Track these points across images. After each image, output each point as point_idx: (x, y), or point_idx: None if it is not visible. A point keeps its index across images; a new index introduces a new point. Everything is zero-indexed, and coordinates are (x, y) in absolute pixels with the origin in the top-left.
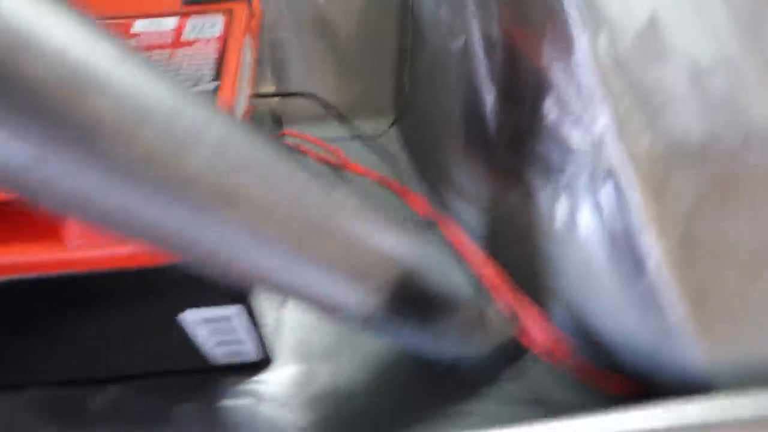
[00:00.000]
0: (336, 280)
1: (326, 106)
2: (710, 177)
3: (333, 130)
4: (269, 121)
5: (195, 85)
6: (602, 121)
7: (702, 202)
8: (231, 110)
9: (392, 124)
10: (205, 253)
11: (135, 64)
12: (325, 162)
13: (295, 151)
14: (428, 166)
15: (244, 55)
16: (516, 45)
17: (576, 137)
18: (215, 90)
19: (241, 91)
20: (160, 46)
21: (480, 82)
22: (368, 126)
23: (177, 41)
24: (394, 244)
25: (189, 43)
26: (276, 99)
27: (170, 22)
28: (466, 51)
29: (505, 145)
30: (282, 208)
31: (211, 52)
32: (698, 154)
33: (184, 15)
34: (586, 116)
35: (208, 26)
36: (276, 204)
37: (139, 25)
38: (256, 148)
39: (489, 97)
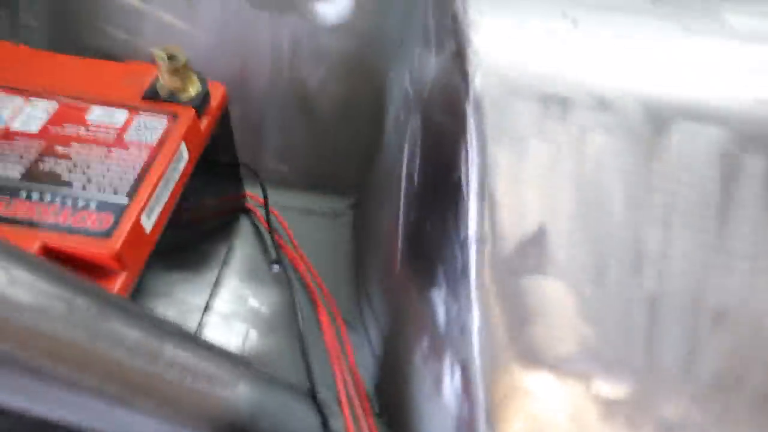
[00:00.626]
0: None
1: (254, 175)
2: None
3: (299, 200)
4: (232, 176)
5: (114, 193)
6: (473, 315)
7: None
8: (135, 232)
9: (349, 207)
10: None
11: None
12: (269, 232)
13: (248, 211)
14: (360, 261)
15: (172, 168)
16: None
17: (449, 310)
18: (123, 208)
19: (153, 207)
20: (102, 143)
21: (403, 203)
22: (331, 204)
23: (118, 140)
24: (230, 393)
25: (126, 145)
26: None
27: (121, 117)
28: (398, 170)
29: (408, 265)
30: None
31: (140, 160)
32: (553, 369)
33: (135, 110)
34: (458, 303)
35: (150, 129)
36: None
37: (95, 113)
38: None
39: (404, 221)
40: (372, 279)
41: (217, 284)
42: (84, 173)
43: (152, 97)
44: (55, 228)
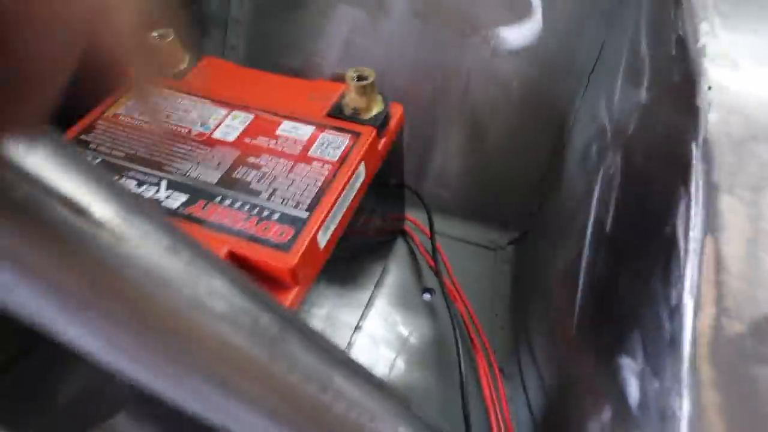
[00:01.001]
0: None
1: (418, 198)
2: None
3: (457, 228)
4: (396, 197)
5: (296, 206)
6: (683, 402)
7: None
8: (311, 247)
9: (511, 242)
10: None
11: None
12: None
13: (405, 234)
14: (521, 304)
15: (350, 186)
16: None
17: (645, 386)
18: (304, 222)
19: (329, 224)
20: (288, 156)
21: (587, 251)
22: (491, 236)
23: (303, 154)
24: None
25: (310, 160)
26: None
27: (308, 131)
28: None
29: (588, 322)
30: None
31: (322, 177)
32: None
33: (321, 127)
34: (661, 381)
35: (333, 147)
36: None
37: (285, 126)
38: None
39: (591, 256)
40: (535, 327)
41: (369, 305)
42: (270, 184)
43: (336, 115)
44: (242, 235)
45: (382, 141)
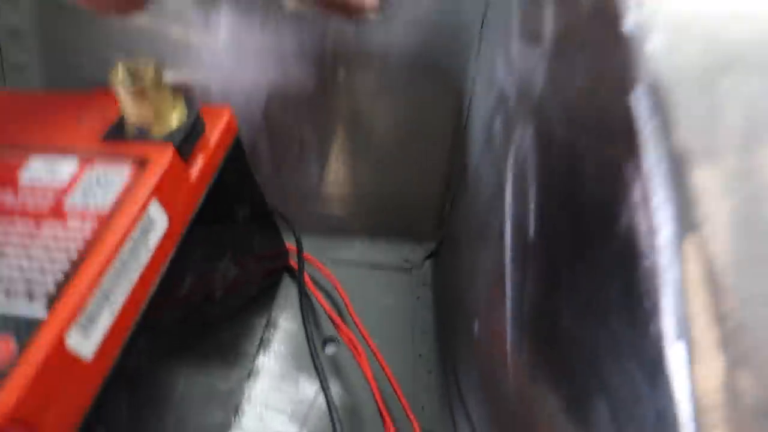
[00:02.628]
0: None
1: (289, 225)
2: None
3: (359, 251)
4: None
5: (28, 299)
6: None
7: None
8: (54, 366)
9: (429, 255)
10: None
11: None
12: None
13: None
14: (445, 340)
15: (132, 246)
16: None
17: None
18: (34, 324)
19: (93, 317)
20: (31, 215)
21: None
22: (402, 254)
23: (55, 208)
24: None
25: (64, 215)
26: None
27: (68, 169)
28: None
29: (529, 364)
30: None
31: (78, 240)
32: None
33: (88, 159)
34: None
35: (103, 186)
36: None
37: (33, 167)
38: None
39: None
40: (464, 372)
41: (253, 375)
42: None
43: (114, 137)
44: None
45: (197, 163)
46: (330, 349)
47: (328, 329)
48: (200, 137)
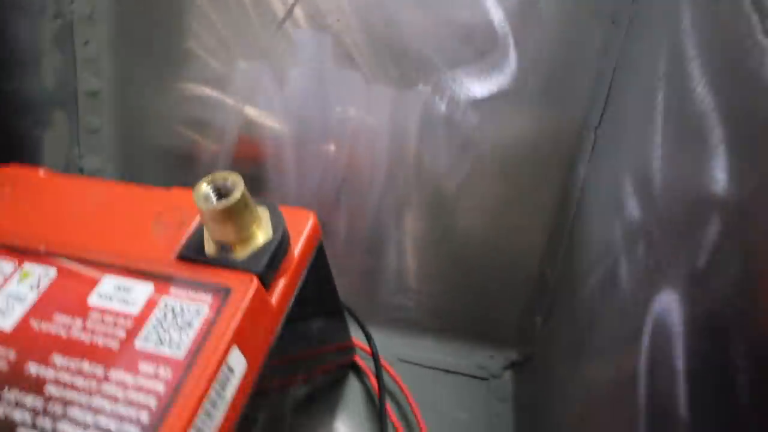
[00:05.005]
0: None
1: (354, 319)
2: None
3: (430, 352)
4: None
5: None
6: None
7: None
8: None
9: (510, 365)
10: None
11: None
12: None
13: (357, 368)
14: None
15: (211, 402)
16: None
17: None
18: None
19: None
20: (100, 356)
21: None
22: (479, 360)
23: (126, 348)
24: None
25: (136, 359)
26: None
27: (142, 296)
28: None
29: None
30: None
31: (154, 396)
32: None
33: (165, 283)
34: None
35: (179, 323)
36: None
37: (105, 287)
38: None
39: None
40: None
41: None
42: (54, 422)
43: (192, 256)
44: None
45: (279, 285)
46: None
47: None
48: (286, 254)
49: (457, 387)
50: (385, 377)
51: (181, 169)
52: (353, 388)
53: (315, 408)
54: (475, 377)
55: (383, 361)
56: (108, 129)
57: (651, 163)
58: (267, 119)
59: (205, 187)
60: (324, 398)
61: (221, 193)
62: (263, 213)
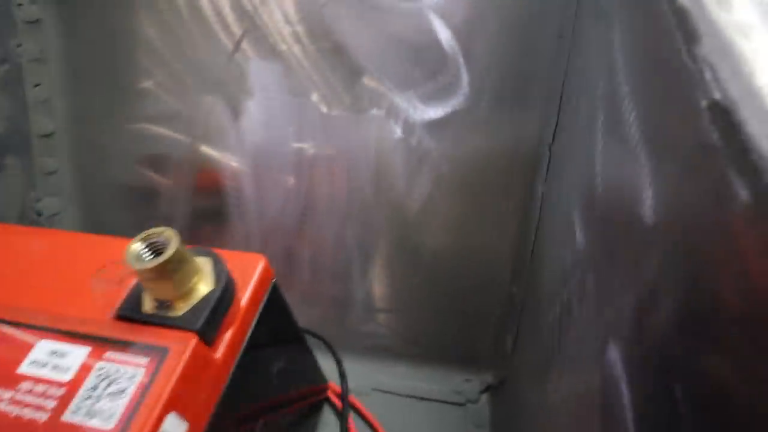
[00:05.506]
0: None
1: (326, 345)
2: None
3: (403, 378)
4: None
5: None
6: None
7: None
8: None
9: (485, 389)
10: None
11: None
12: None
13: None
14: None
15: None
16: None
17: None
18: None
19: None
20: (26, 428)
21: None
22: (454, 384)
23: (55, 417)
24: None
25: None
26: None
27: (77, 359)
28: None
29: None
30: None
31: None
32: None
33: (100, 345)
34: None
35: (112, 391)
36: None
37: (37, 355)
38: None
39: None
40: None
41: None
42: None
43: (130, 315)
44: None
45: (225, 338)
46: None
47: None
48: (230, 307)
49: (433, 414)
50: (358, 413)
51: (141, 205)
52: (327, 419)
53: None
54: (451, 403)
55: (357, 403)
56: (65, 170)
57: (595, 186)
58: (224, 152)
59: (137, 246)
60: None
61: (157, 249)
62: (205, 264)
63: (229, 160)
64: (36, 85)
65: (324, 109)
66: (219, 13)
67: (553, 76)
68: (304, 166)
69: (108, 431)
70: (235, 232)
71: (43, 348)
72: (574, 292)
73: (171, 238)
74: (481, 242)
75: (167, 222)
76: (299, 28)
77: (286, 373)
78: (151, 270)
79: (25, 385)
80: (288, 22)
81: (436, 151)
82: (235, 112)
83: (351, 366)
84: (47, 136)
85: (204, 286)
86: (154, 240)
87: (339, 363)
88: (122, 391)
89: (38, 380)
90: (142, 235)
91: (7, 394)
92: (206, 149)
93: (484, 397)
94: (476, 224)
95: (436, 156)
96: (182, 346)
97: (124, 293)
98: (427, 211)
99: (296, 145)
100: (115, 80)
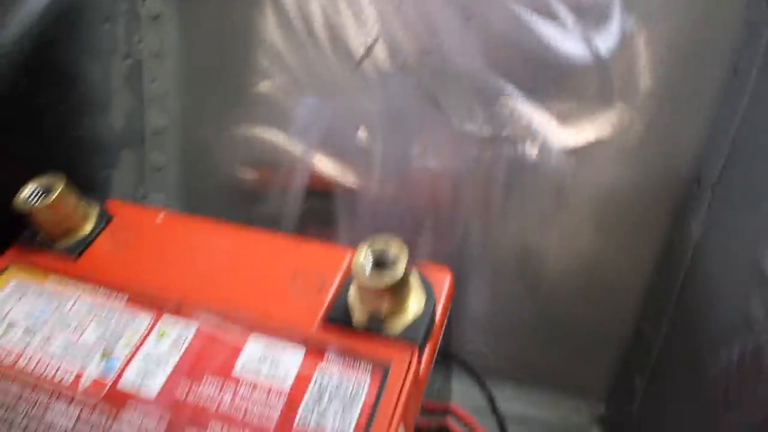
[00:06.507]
0: None
1: (473, 375)
2: None
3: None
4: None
5: None
6: None
7: None
8: None
9: (602, 420)
10: None
11: None
12: None
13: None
14: None
15: None
16: None
17: None
18: None
19: None
20: (258, 430)
21: None
22: (565, 413)
23: (285, 427)
24: None
25: None
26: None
27: (292, 363)
28: None
29: None
30: None
31: None
32: None
33: (317, 353)
34: None
35: (341, 402)
36: None
37: (249, 354)
38: None
39: None
40: None
41: None
42: None
43: (340, 322)
44: None
45: (426, 358)
46: None
47: None
48: (434, 325)
49: None
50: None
51: (245, 206)
52: None
53: None
54: (560, 428)
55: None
56: (172, 167)
57: None
58: (340, 161)
59: (365, 256)
60: None
61: (379, 261)
62: (413, 278)
63: (344, 167)
64: (153, 81)
65: (454, 124)
66: (349, 18)
67: (722, 113)
68: (426, 180)
69: None
70: (341, 240)
71: (254, 347)
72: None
73: (400, 254)
74: (608, 276)
75: (273, 224)
76: (433, 42)
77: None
78: (384, 289)
79: (243, 388)
80: (419, 36)
81: (572, 179)
82: (357, 120)
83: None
84: (160, 132)
85: (414, 302)
86: (379, 252)
87: (492, 400)
88: (351, 403)
89: (257, 385)
90: (368, 242)
91: (228, 395)
92: (321, 156)
93: (595, 428)
94: (605, 256)
95: (571, 184)
96: (405, 361)
97: (325, 301)
98: (552, 237)
99: (420, 159)
100: (231, 79)
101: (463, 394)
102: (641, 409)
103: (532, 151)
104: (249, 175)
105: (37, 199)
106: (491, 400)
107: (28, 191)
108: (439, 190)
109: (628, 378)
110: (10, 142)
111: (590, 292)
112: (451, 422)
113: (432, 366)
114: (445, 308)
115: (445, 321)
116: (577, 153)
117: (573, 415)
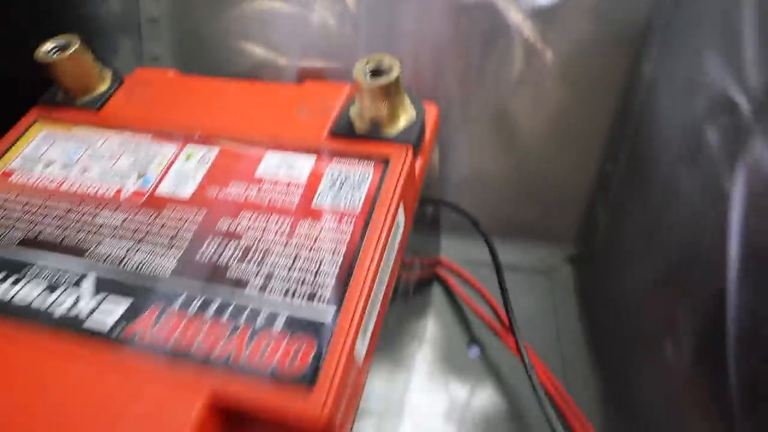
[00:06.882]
0: None
1: (473, 222)
2: None
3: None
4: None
5: (309, 299)
6: None
7: None
8: (347, 370)
9: (570, 260)
10: None
11: None
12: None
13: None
14: (604, 345)
15: (389, 247)
16: None
17: None
18: (329, 327)
19: (368, 321)
20: (283, 211)
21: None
22: (540, 254)
23: (305, 206)
24: None
25: (317, 214)
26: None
27: (306, 166)
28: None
29: None
30: None
31: (343, 241)
32: None
33: (326, 156)
34: None
35: (350, 186)
36: None
37: (268, 162)
38: None
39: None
40: (643, 388)
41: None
42: (260, 264)
43: (345, 133)
44: (226, 367)
45: (419, 163)
46: (475, 352)
47: (474, 333)
48: (425, 136)
49: (523, 282)
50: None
51: None
52: (436, 292)
53: (406, 307)
54: (538, 271)
55: (462, 272)
56: (167, 57)
57: (743, 42)
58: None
59: (365, 65)
60: (413, 300)
61: (376, 71)
62: (405, 94)
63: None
64: None
65: None
66: None
67: None
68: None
69: (355, 211)
70: None
71: (272, 158)
72: (703, 129)
73: (393, 64)
74: (575, 125)
75: None
76: None
77: (418, 237)
78: (379, 87)
79: (266, 185)
80: None
81: (542, 39)
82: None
83: (443, 243)
84: (154, 20)
85: (404, 115)
86: (376, 64)
87: (492, 253)
88: (359, 186)
89: (277, 182)
90: (366, 59)
91: (253, 190)
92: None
93: (568, 268)
94: (571, 107)
95: (541, 44)
96: (402, 155)
97: (330, 119)
98: (524, 95)
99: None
100: None
101: (455, 250)
102: (603, 243)
103: (507, 15)
104: (247, 54)
105: (57, 54)
106: (486, 241)
107: (48, 46)
108: (421, 57)
109: (593, 217)
110: (14, 18)
111: (560, 142)
112: (443, 272)
113: (425, 171)
114: (432, 131)
115: (434, 148)
116: (547, 13)
117: (547, 258)
